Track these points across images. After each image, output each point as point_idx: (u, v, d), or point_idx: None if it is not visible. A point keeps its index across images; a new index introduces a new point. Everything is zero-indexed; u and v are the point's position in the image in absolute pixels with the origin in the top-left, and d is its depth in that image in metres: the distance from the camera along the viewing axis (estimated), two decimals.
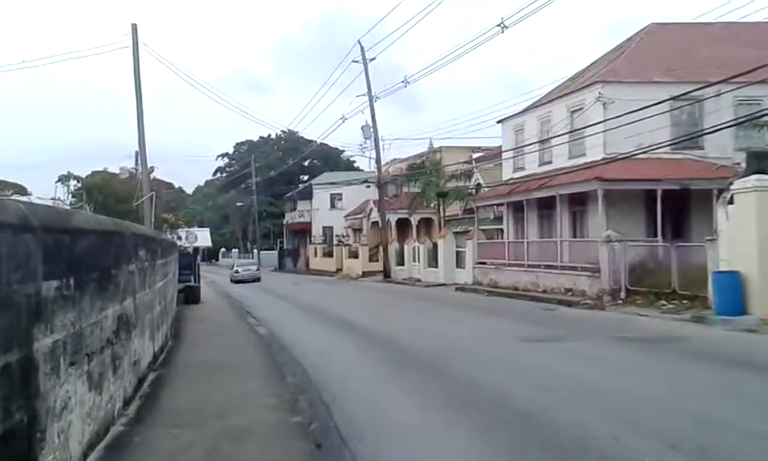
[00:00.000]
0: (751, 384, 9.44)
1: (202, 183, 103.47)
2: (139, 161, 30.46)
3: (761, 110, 19.76)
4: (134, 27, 28.06)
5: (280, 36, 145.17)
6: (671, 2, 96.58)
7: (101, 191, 36.19)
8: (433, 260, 36.29)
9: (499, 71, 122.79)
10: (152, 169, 33.59)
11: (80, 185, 41.35)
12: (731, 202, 16.15)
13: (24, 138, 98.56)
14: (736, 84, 18.57)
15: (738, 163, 18.73)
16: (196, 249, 36.62)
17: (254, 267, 49.82)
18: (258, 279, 45.63)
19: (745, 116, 20.42)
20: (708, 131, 21.24)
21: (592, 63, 31.39)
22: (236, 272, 47.33)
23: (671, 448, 6.39)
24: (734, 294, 15.36)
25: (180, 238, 35.60)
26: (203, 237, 64.95)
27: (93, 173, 43.24)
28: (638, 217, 23.94)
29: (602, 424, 7.32)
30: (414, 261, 39.37)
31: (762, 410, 7.87)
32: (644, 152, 21.57)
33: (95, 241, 6.17)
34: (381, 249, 43.69)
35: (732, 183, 16.39)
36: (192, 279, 26.17)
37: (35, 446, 4.31)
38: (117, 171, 41.71)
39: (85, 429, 5.66)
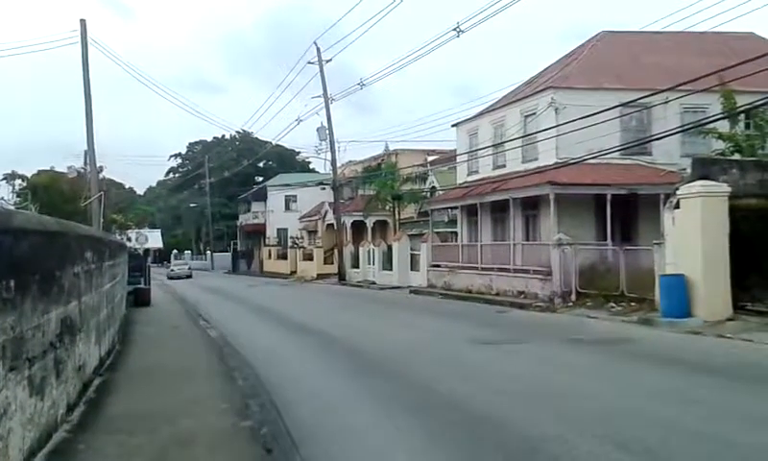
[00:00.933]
0: (694, 385, 9.69)
1: (154, 184, 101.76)
2: (88, 160, 29.77)
3: (707, 118, 20.36)
4: (83, 23, 27.50)
5: (230, 34, 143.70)
6: (622, 11, 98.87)
7: (47, 191, 35.15)
8: (388, 263, 36.34)
9: (453, 75, 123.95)
10: (101, 169, 32.84)
11: (25, 185, 40.10)
12: (677, 207, 16.56)
13: None
14: (683, 91, 19.08)
15: (684, 169, 19.23)
16: (146, 250, 35.91)
17: (186, 267, 62.17)
18: (190, 276, 56.97)
19: (691, 123, 20.99)
20: (656, 137, 21.79)
21: (545, 69, 31.88)
22: (172, 270, 60.48)
23: (619, 449, 6.50)
24: (680, 296, 15.75)
25: (129, 239, 34.89)
26: (153, 239, 63.88)
27: (39, 172, 41.99)
28: (589, 221, 24.40)
29: (552, 426, 7.41)
30: (369, 264, 39.36)
31: (705, 410, 8.08)
32: (595, 157, 22.02)
33: (38, 242, 5.97)
34: (336, 251, 43.60)
35: (678, 189, 16.79)
36: (142, 282, 25.66)
37: None
38: (65, 170, 40.63)
39: (26, 436, 5.48)
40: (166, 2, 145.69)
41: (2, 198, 38.32)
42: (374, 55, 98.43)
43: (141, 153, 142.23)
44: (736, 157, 20.24)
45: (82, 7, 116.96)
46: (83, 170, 35.73)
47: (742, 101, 20.26)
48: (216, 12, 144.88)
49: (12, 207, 28.91)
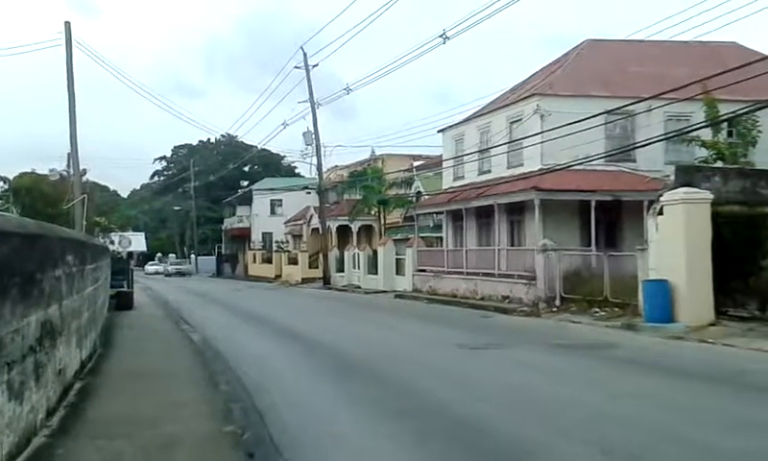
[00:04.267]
0: (678, 390, 9.75)
1: (138, 187, 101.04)
2: (71, 163, 29.50)
3: (690, 126, 20.55)
4: (68, 25, 27.20)
5: (210, 37, 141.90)
6: (605, 20, 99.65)
7: (29, 193, 34.78)
8: (373, 267, 36.31)
9: (434, 82, 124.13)
10: (84, 171, 32.52)
11: (6, 187, 39.66)
12: (660, 213, 16.66)
13: None
14: (666, 100, 19.25)
15: (668, 176, 19.36)
16: (130, 254, 35.61)
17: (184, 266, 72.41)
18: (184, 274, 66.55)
19: (674, 131, 21.17)
20: (640, 144, 21.92)
21: (531, 76, 32.03)
22: (167, 269, 69.37)
23: (604, 455, 6.51)
24: (663, 302, 15.84)
25: (112, 242, 34.58)
26: (137, 242, 63.50)
27: (21, 174, 41.57)
28: (573, 227, 24.52)
29: (537, 432, 7.41)
30: (354, 268, 39.32)
31: (687, 415, 8.12)
32: (579, 163, 22.09)
33: (17, 245, 5.88)
34: (321, 255, 43.50)
35: (661, 195, 16.90)
36: (125, 285, 25.42)
37: None
38: (47, 173, 40.25)
39: (4, 441, 5.39)
40: (137, 3, 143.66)
41: None
42: (356, 61, 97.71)
43: (125, 156, 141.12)
44: (719, 164, 20.44)
45: (41, 5, 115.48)
46: (65, 173, 35.41)
47: (725, 109, 20.44)
48: (190, 15, 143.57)
49: None
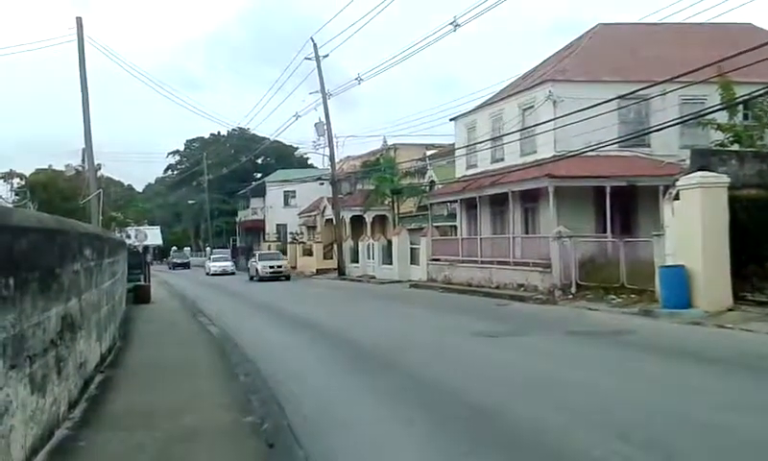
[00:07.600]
0: (694, 375, 9.72)
1: (152, 181, 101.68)
2: (86, 158, 29.78)
3: (705, 109, 20.32)
4: (79, 21, 27.42)
5: (212, 30, 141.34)
6: (616, 3, 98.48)
7: (46, 189, 35.18)
8: (387, 257, 36.32)
9: (441, 70, 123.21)
10: (99, 166, 32.83)
11: (23, 183, 40.08)
12: (676, 198, 16.54)
13: None
14: (681, 83, 19.03)
15: (684, 160, 19.21)
16: (146, 247, 35.88)
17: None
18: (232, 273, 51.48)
19: (690, 114, 20.95)
20: (655, 128, 21.73)
21: (542, 62, 31.82)
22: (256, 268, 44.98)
23: (620, 440, 6.49)
24: (680, 288, 15.75)
25: (129, 236, 34.88)
26: (153, 235, 63.59)
27: (37, 171, 42.03)
28: (588, 213, 24.39)
29: (554, 417, 7.41)
30: (368, 258, 39.34)
31: (706, 400, 8.08)
32: (593, 149, 21.98)
33: (37, 240, 5.95)
34: (335, 246, 43.58)
35: (677, 180, 16.77)
36: (142, 279, 25.65)
37: None
38: (62, 168, 40.67)
39: (28, 434, 5.47)
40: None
41: (0, 196, 38.30)
42: (362, 53, 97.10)
43: (139, 150, 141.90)
44: (735, 147, 20.23)
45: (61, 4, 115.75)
46: (81, 168, 35.75)
47: (741, 92, 20.22)
48: (189, 8, 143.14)
49: (11, 205, 28.88)
